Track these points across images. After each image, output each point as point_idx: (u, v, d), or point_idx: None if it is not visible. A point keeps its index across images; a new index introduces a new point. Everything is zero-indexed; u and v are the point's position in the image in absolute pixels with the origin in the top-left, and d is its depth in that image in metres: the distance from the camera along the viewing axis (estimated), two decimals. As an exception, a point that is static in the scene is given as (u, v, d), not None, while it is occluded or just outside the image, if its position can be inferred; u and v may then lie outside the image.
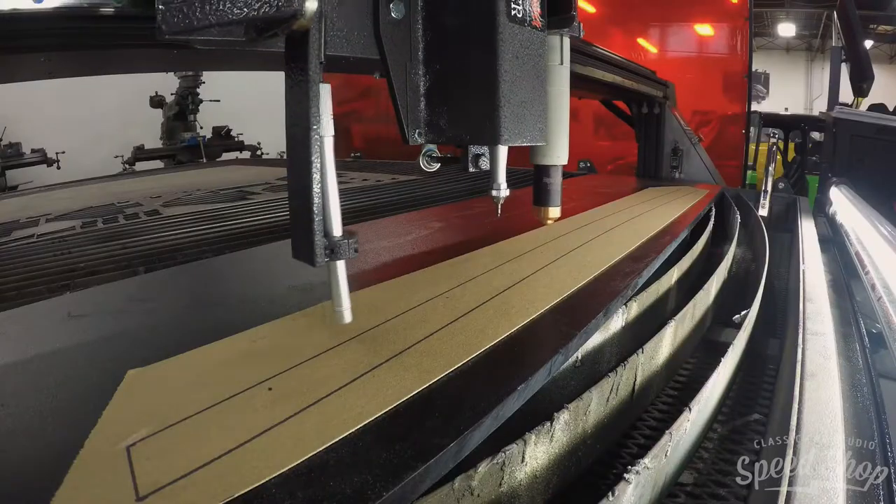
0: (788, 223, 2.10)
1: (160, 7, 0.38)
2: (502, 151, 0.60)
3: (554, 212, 0.77)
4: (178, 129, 6.34)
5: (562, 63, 0.68)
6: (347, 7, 0.50)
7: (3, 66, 1.00)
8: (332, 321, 0.50)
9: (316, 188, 0.44)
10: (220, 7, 0.38)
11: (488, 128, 0.53)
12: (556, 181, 0.75)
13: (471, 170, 0.59)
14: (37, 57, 0.97)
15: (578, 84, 2.07)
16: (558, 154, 0.72)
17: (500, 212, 0.67)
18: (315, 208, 0.44)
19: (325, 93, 0.44)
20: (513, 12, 0.52)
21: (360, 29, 0.51)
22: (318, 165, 0.44)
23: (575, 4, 0.62)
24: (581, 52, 1.96)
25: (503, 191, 0.63)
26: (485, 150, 0.60)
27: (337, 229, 0.47)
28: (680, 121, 2.47)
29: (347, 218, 1.50)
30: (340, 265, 0.48)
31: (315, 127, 0.43)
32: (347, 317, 0.50)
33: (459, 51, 0.54)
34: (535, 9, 0.54)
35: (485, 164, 0.60)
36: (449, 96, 0.55)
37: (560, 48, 0.68)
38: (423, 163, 0.61)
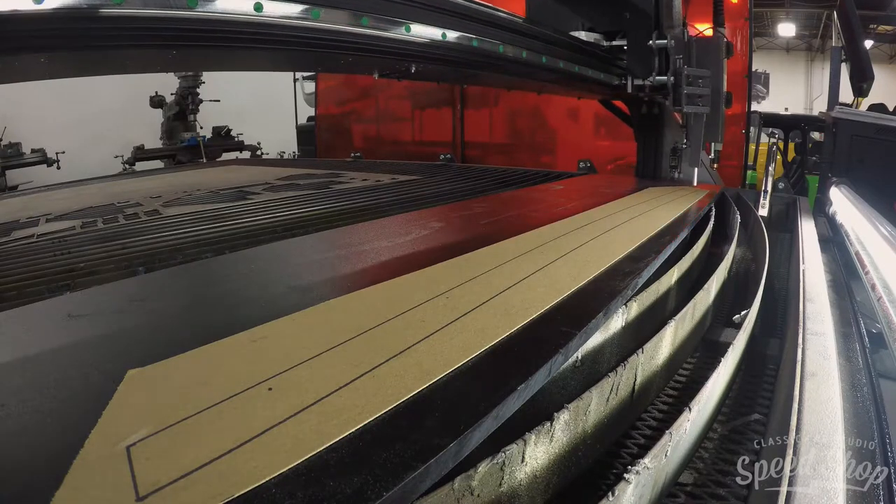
0: (788, 223, 2.10)
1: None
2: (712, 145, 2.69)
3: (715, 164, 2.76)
4: (178, 129, 6.34)
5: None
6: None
7: (3, 66, 1.00)
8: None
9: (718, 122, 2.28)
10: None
11: (714, 135, 2.27)
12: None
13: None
14: (37, 57, 0.97)
15: (582, 85, 2.11)
16: (720, 146, 2.87)
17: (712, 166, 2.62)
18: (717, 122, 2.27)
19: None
20: (723, 108, 2.20)
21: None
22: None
23: (730, 100, 2.22)
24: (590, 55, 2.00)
25: (710, 157, 2.66)
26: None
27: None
28: (679, 121, 2.49)
29: (348, 217, 1.50)
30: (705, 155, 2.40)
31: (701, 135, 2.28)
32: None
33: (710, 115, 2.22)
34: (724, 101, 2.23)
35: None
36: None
37: None
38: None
